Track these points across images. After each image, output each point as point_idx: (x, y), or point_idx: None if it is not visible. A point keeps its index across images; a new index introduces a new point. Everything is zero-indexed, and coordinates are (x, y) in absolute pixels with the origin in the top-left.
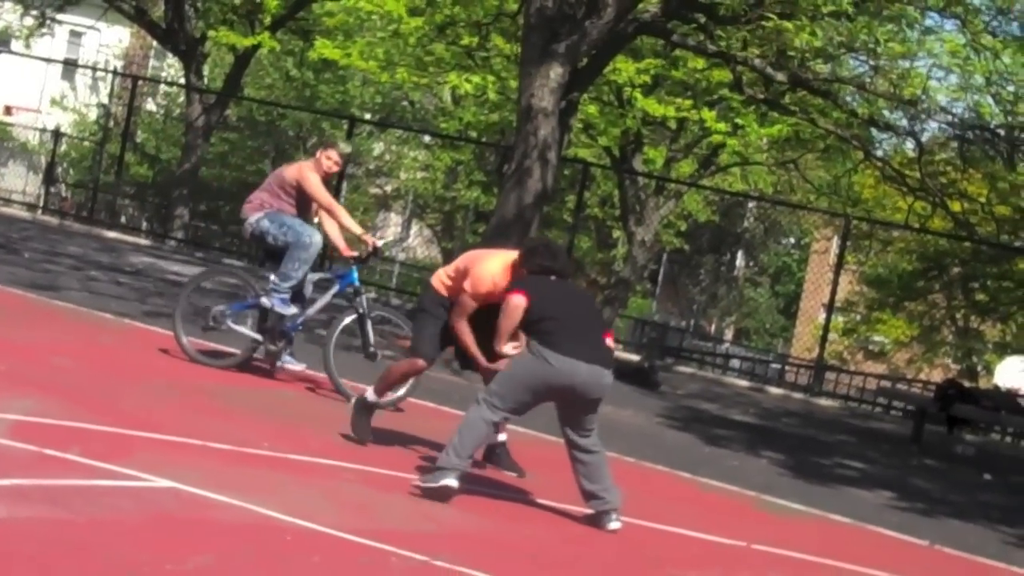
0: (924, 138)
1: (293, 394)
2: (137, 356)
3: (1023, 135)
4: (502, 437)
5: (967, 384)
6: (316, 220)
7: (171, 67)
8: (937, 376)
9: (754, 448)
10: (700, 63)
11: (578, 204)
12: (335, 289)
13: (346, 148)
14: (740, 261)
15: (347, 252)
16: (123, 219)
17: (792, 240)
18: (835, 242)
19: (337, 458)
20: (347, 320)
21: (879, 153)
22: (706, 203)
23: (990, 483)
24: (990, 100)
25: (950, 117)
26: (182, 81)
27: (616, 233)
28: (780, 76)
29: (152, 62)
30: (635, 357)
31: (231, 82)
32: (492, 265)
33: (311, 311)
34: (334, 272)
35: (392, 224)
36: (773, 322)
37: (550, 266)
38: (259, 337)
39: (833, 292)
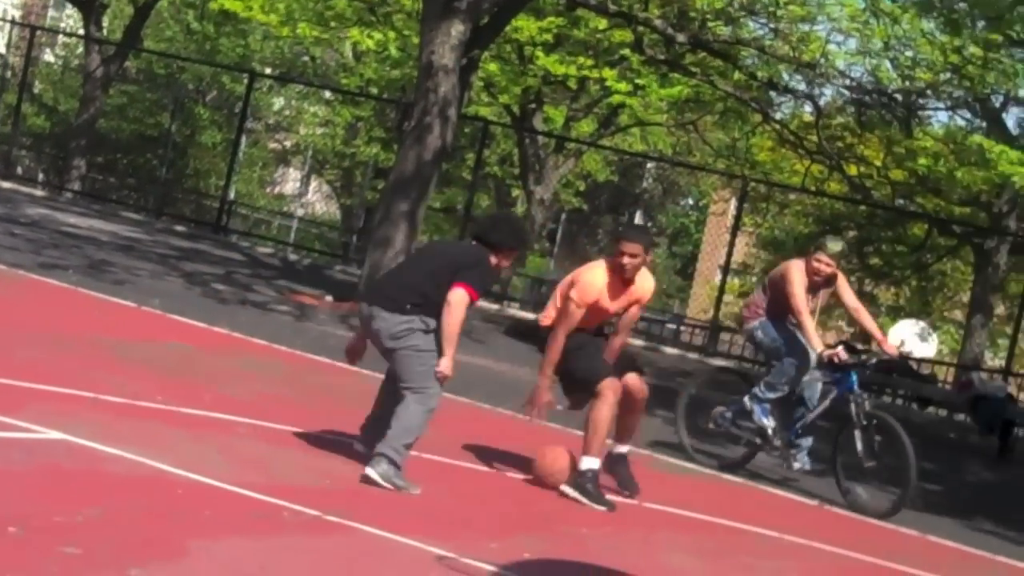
0: (822, 102)
1: (187, 348)
2: (31, 308)
3: (920, 100)
4: (623, 449)
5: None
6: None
7: (70, 18)
8: (831, 339)
9: (648, 408)
10: (602, 23)
11: (477, 162)
12: (833, 394)
13: (835, 247)
14: (638, 221)
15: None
16: (19, 170)
17: (690, 201)
18: (732, 204)
19: (230, 412)
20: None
21: (778, 116)
22: (605, 163)
23: None
24: (888, 65)
25: (848, 81)
26: (81, 32)
27: (515, 192)
28: (681, 37)
29: (51, 12)
30: (532, 316)
31: (131, 34)
32: (597, 275)
33: (811, 415)
34: (832, 376)
35: (291, 179)
36: (670, 283)
37: (484, 238)
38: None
39: (729, 254)
